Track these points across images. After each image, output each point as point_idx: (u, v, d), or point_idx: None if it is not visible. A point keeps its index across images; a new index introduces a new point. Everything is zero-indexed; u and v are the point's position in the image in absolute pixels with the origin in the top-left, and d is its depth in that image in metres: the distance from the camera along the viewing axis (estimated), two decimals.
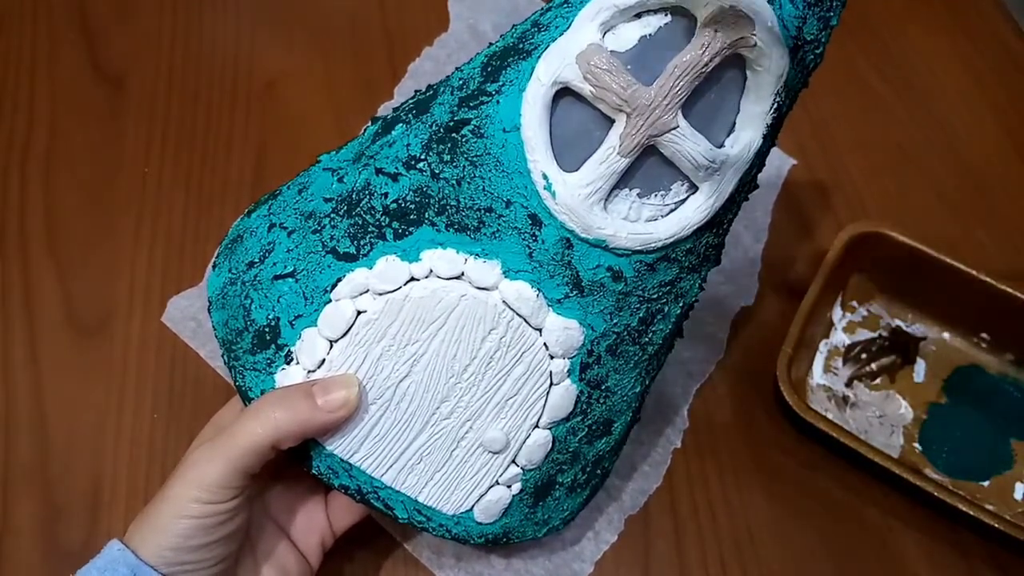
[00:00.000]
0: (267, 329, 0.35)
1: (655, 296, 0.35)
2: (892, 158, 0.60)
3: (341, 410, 0.33)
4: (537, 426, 0.36)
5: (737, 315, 0.52)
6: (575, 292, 0.33)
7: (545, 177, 0.31)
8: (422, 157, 0.33)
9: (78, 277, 0.50)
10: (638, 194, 0.32)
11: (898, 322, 0.52)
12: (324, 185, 0.35)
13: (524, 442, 0.36)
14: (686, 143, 0.31)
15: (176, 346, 0.48)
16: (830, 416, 0.47)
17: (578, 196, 0.31)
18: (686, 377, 0.49)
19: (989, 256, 0.55)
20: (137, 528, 0.32)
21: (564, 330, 0.34)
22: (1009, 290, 0.47)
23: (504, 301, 0.33)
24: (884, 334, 0.51)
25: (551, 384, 0.35)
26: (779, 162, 0.58)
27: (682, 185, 0.33)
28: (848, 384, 0.50)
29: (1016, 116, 0.62)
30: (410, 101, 0.35)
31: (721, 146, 0.32)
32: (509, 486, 0.37)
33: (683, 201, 0.33)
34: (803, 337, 0.47)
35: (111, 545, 0.32)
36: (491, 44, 0.34)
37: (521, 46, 0.32)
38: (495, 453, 0.36)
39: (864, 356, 0.50)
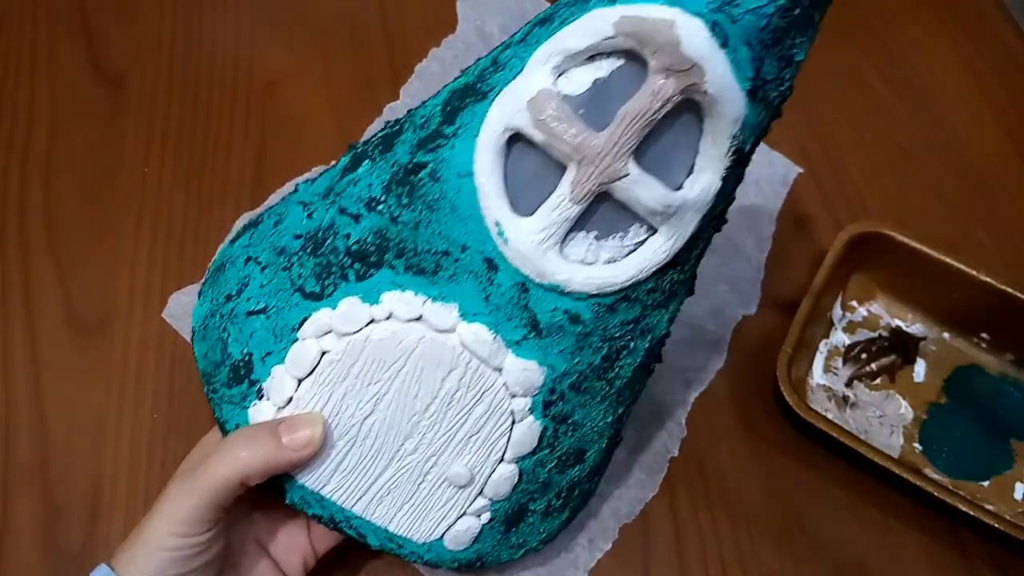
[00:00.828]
0: (241, 364, 0.36)
1: (618, 334, 0.34)
2: (892, 158, 0.60)
3: (306, 449, 0.34)
4: (502, 460, 0.36)
5: (738, 324, 0.52)
6: (533, 334, 0.33)
7: (498, 224, 0.31)
8: (382, 199, 0.33)
9: (78, 277, 0.50)
10: (596, 236, 0.32)
11: (898, 322, 0.52)
12: (296, 220, 0.36)
13: (490, 476, 0.36)
14: (638, 190, 0.31)
15: (176, 345, 0.48)
16: (830, 416, 0.47)
17: (531, 243, 0.31)
18: (684, 385, 0.49)
19: (989, 256, 0.55)
20: (122, 553, 0.33)
21: (523, 371, 0.34)
22: (1009, 290, 0.47)
23: (462, 343, 0.33)
24: (884, 334, 0.51)
25: (513, 421, 0.35)
26: (784, 170, 0.57)
27: (641, 227, 0.32)
28: (848, 384, 0.50)
29: (1016, 116, 0.62)
30: (379, 134, 0.35)
31: (680, 187, 0.32)
32: (478, 515, 0.37)
33: (643, 242, 0.33)
34: (803, 337, 0.47)
35: (99, 569, 0.33)
36: (457, 77, 0.34)
37: (479, 86, 0.32)
38: (460, 487, 0.36)
39: (864, 356, 0.50)
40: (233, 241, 0.38)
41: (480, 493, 0.36)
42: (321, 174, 0.37)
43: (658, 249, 0.32)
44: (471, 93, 0.32)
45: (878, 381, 0.50)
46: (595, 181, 0.30)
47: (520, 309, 0.33)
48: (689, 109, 0.30)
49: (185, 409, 0.46)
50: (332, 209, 0.34)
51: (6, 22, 0.59)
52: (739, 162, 0.32)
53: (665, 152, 0.31)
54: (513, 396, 0.34)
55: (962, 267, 0.48)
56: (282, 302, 0.35)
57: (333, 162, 0.37)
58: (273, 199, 0.53)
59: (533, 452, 0.36)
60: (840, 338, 0.51)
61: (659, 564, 0.44)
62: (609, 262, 0.33)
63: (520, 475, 0.36)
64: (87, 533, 0.42)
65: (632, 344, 0.35)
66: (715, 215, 0.34)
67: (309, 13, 0.62)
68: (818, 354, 0.50)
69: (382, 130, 0.36)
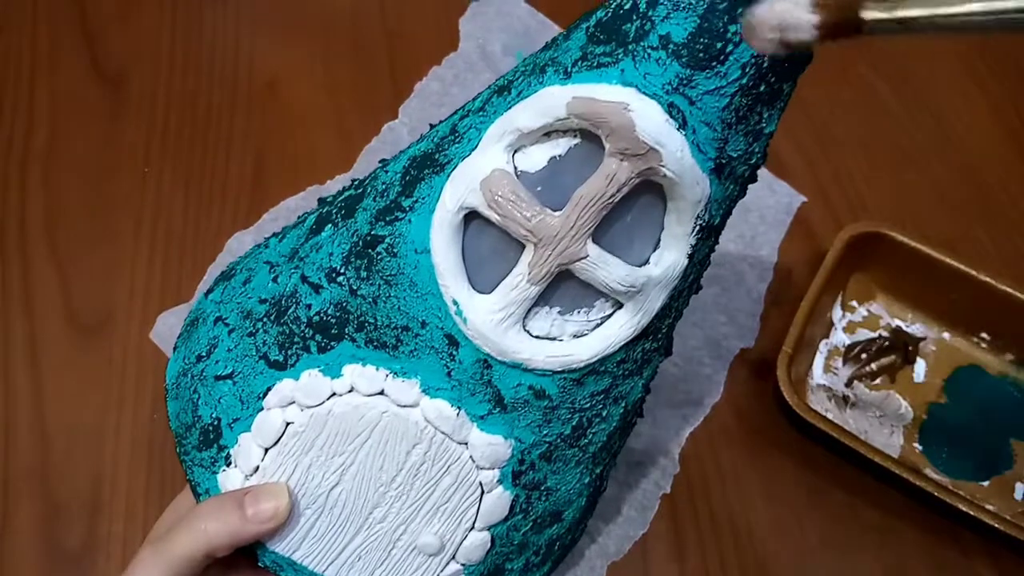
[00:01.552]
0: (211, 428, 0.35)
1: (587, 405, 0.33)
2: (892, 158, 0.60)
3: (270, 522, 0.34)
4: (473, 528, 0.35)
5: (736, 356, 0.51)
6: (498, 409, 0.32)
7: (455, 303, 0.31)
8: (342, 271, 0.33)
9: (78, 277, 0.50)
10: (559, 312, 0.31)
11: (898, 322, 0.52)
12: (262, 283, 0.35)
13: (461, 543, 0.35)
14: (599, 271, 0.30)
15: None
16: (830, 416, 0.47)
17: (490, 322, 0.30)
18: (680, 421, 0.48)
19: (989, 256, 0.55)
20: None
21: (488, 445, 0.33)
22: (1009, 290, 0.47)
23: (425, 418, 0.33)
24: (884, 334, 0.51)
25: (483, 492, 0.34)
26: (788, 199, 0.56)
27: (606, 302, 0.31)
28: (848, 384, 0.50)
29: (1016, 116, 0.62)
30: (345, 193, 0.35)
31: (646, 262, 0.31)
32: None
33: (609, 316, 0.32)
34: (803, 337, 0.47)
35: None
36: (421, 137, 0.33)
37: (437, 157, 0.31)
38: (431, 555, 0.35)
39: (864, 356, 0.50)
40: (207, 294, 0.38)
41: (452, 559, 0.35)
42: (293, 228, 0.36)
43: (624, 324, 0.32)
44: (429, 164, 0.31)
45: (878, 381, 0.50)
46: (553, 263, 0.30)
47: (483, 385, 0.32)
48: (651, 189, 0.29)
49: None
50: (295, 275, 0.34)
51: (6, 22, 0.59)
52: (708, 236, 0.31)
53: (627, 230, 0.30)
54: (480, 468, 0.33)
55: (962, 267, 0.48)
56: (248, 368, 0.35)
57: (309, 202, 0.36)
58: (267, 218, 0.52)
59: (505, 519, 0.35)
60: (840, 338, 0.51)
61: (659, 563, 0.44)
62: (576, 336, 0.32)
63: (493, 540, 0.35)
64: (87, 533, 0.42)
65: (604, 412, 0.34)
66: (687, 285, 0.33)
67: (309, 13, 0.62)
68: (818, 354, 0.50)
69: (348, 189, 0.35)
